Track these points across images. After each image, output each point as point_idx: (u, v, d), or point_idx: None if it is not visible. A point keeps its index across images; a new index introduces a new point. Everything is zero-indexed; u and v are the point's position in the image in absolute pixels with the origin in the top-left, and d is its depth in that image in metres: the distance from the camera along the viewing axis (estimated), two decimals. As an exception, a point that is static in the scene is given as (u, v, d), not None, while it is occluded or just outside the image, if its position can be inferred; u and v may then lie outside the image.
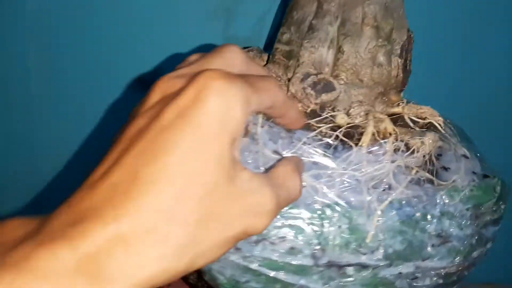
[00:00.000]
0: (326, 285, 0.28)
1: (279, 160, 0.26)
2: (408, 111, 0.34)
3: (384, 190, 0.29)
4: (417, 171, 0.30)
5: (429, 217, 0.29)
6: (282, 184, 0.22)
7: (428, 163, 0.31)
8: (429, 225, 0.29)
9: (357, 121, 0.31)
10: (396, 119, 0.34)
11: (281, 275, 0.28)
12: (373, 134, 0.30)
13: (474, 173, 0.32)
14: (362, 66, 0.33)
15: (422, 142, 0.31)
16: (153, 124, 0.19)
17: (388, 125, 0.30)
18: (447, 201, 0.30)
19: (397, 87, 0.35)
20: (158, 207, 0.17)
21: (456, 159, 0.32)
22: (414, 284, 0.29)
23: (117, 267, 0.16)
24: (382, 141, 0.30)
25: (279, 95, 0.23)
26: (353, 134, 0.30)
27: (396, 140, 0.30)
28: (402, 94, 0.36)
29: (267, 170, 0.25)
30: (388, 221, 0.28)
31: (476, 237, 0.31)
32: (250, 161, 0.27)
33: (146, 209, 0.17)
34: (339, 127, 0.31)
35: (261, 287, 0.29)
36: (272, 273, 0.28)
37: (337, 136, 0.30)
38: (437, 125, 0.33)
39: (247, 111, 0.20)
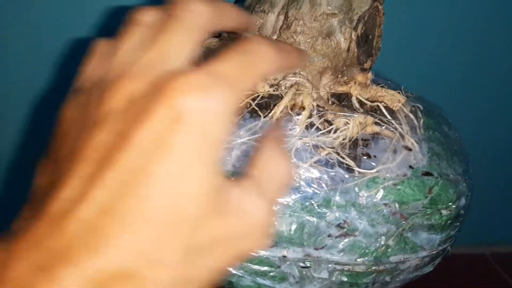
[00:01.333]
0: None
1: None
2: (360, 91, 0.31)
3: (283, 166, 0.26)
4: (328, 153, 0.27)
5: (331, 203, 0.26)
6: (272, 180, 0.19)
7: (348, 147, 0.27)
8: (329, 213, 0.26)
9: (278, 92, 0.29)
10: (343, 99, 0.31)
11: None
12: (287, 107, 0.28)
13: (410, 167, 0.28)
14: (306, 35, 0.30)
15: (346, 123, 0.27)
16: (123, 147, 0.16)
17: (305, 99, 0.28)
18: (361, 191, 0.26)
19: (352, 63, 0.31)
20: (137, 249, 0.15)
21: (393, 149, 0.28)
22: (306, 273, 0.27)
23: None
24: (295, 115, 0.27)
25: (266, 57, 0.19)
26: (269, 105, 0.28)
27: (311, 116, 0.27)
28: (369, 74, 0.33)
29: None
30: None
31: (394, 239, 0.27)
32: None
33: (125, 251, 0.15)
34: (263, 97, 0.29)
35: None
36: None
37: (250, 105, 0.28)
38: (383, 109, 0.30)
39: (230, 122, 0.17)
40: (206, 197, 0.16)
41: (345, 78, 0.32)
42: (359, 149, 0.27)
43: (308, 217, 0.26)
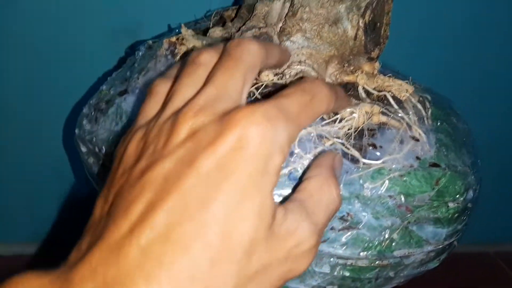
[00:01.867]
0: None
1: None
2: (366, 81, 0.30)
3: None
4: (333, 143, 0.26)
5: (335, 195, 0.25)
6: (319, 204, 0.20)
7: (354, 137, 0.26)
8: (332, 205, 0.25)
9: (282, 81, 0.28)
10: (349, 88, 0.30)
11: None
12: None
13: (417, 158, 0.27)
14: (313, 22, 0.29)
15: (352, 113, 0.27)
16: (187, 173, 0.16)
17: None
18: (365, 182, 0.26)
19: (359, 52, 0.31)
20: (193, 274, 0.15)
21: (399, 139, 0.27)
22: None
23: None
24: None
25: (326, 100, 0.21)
26: (273, 94, 0.27)
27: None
28: (377, 63, 0.32)
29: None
30: (286, 189, 0.25)
31: (399, 232, 0.26)
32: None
33: (180, 277, 0.15)
34: (267, 86, 0.28)
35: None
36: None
37: (253, 94, 0.27)
38: (390, 99, 0.29)
39: (288, 153, 0.18)
40: (263, 221, 0.17)
41: (352, 67, 0.31)
42: (364, 139, 0.27)
43: (310, 209, 0.25)
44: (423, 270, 0.30)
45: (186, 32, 0.32)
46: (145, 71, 0.32)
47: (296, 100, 0.19)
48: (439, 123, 0.31)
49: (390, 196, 0.26)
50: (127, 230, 0.16)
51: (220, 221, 0.16)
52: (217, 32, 0.34)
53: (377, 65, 0.32)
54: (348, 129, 0.26)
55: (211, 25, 0.36)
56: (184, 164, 0.17)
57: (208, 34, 0.34)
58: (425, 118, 0.30)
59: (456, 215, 0.27)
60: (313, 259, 0.19)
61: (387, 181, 0.26)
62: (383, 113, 0.28)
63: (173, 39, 0.32)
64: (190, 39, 0.32)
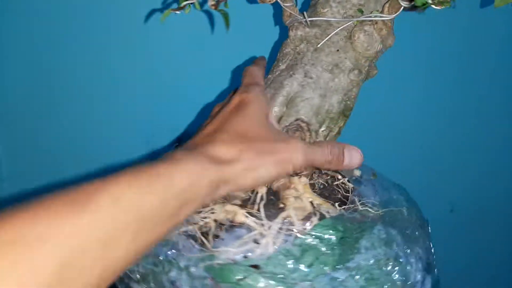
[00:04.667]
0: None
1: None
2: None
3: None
4: (193, 227, 0.34)
5: (173, 264, 0.33)
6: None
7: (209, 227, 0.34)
8: (174, 271, 0.33)
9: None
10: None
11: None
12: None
13: (245, 257, 0.31)
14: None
15: (212, 209, 0.34)
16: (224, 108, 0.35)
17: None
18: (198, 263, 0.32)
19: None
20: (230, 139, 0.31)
21: (244, 240, 0.32)
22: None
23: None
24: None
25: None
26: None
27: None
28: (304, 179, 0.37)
29: None
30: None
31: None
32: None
33: (227, 139, 0.31)
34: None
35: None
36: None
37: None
38: (292, 215, 0.34)
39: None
40: (262, 123, 0.34)
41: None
42: (215, 230, 0.33)
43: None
44: None
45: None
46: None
47: None
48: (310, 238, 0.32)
49: (205, 277, 0.31)
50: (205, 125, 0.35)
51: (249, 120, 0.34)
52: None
53: (304, 180, 0.37)
54: (208, 219, 0.34)
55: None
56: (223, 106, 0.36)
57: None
58: (295, 235, 0.32)
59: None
60: (305, 159, 0.34)
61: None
62: (247, 215, 0.33)
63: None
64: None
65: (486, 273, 0.78)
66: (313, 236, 0.32)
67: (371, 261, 0.33)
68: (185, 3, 0.30)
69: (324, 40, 0.38)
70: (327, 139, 0.39)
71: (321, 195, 0.39)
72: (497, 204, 0.74)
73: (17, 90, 0.54)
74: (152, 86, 0.56)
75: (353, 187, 0.42)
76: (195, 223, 0.34)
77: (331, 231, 0.33)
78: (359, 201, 0.39)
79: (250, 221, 0.33)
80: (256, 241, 0.32)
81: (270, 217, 0.33)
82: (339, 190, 0.41)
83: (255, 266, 0.31)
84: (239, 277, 0.30)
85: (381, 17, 0.36)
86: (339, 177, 0.42)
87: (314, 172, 0.41)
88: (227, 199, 0.36)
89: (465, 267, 0.77)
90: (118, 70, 0.55)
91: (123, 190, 0.24)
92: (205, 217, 0.34)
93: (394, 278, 0.33)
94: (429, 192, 0.69)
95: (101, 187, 0.24)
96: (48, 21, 0.51)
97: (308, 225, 0.33)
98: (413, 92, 0.65)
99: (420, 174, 0.70)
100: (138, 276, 0.35)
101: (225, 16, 0.31)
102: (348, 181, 0.43)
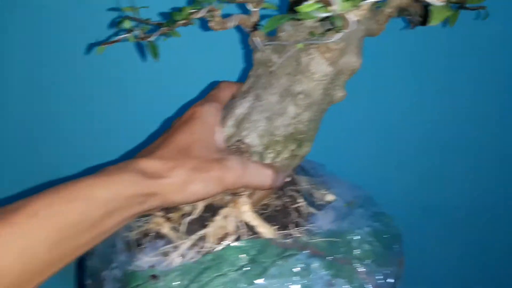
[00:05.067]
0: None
1: None
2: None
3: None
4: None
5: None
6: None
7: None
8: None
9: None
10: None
11: None
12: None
13: (152, 266, 0.33)
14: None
15: (147, 221, 0.38)
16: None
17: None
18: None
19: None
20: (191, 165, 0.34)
21: (161, 251, 0.35)
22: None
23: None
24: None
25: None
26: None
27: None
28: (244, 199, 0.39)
29: None
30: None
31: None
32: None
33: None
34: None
35: None
36: None
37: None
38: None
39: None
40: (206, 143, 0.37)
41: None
42: (141, 239, 0.37)
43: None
44: None
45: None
46: None
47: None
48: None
49: (120, 279, 0.35)
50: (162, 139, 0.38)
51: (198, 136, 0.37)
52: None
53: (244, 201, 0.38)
54: (141, 230, 0.37)
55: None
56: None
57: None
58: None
59: None
60: (235, 177, 0.35)
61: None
62: (174, 228, 0.36)
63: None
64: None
65: (477, 273, 0.80)
66: (218, 256, 0.34)
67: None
68: (121, 37, 0.34)
69: (276, 64, 0.39)
70: (277, 161, 0.39)
71: (270, 216, 0.40)
72: (488, 205, 0.74)
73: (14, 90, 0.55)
74: (152, 86, 0.57)
75: (308, 212, 0.41)
76: (131, 230, 0.38)
77: (239, 254, 0.34)
78: (300, 227, 0.38)
79: (171, 234, 0.36)
80: (165, 254, 0.35)
81: (189, 232, 0.36)
82: (295, 213, 0.41)
83: (154, 277, 0.33)
84: (135, 284, 0.33)
85: (322, 40, 0.35)
86: (299, 200, 0.42)
87: (276, 193, 0.42)
88: (170, 211, 0.39)
89: (456, 267, 0.78)
90: (118, 70, 0.56)
91: (41, 206, 0.28)
92: (140, 226, 0.38)
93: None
94: (416, 194, 0.71)
95: (22, 205, 0.28)
96: (48, 21, 0.52)
97: (218, 245, 0.34)
98: (401, 95, 0.65)
99: (411, 174, 0.70)
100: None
101: (153, 48, 0.34)
102: (310, 204, 0.42)
